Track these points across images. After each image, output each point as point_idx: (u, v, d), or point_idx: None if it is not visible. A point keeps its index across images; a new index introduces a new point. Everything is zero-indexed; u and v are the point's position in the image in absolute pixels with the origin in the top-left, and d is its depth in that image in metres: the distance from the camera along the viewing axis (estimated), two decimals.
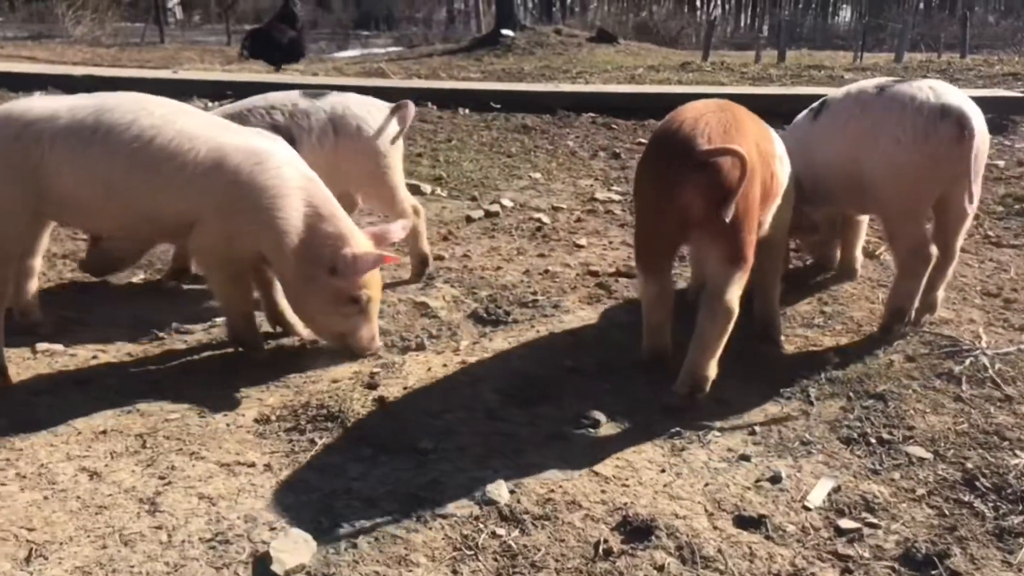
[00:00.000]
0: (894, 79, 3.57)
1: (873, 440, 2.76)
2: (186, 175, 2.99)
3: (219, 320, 3.64)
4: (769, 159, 3.09)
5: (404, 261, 4.18)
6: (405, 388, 3.07)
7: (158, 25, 22.05)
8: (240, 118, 3.69)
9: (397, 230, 3.33)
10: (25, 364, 3.25)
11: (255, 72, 11.39)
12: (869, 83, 3.57)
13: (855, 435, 2.79)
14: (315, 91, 4.06)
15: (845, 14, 52.05)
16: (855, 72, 11.14)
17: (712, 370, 2.91)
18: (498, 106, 8.01)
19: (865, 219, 4.11)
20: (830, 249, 4.21)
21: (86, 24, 21.09)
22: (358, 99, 4.03)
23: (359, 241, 3.13)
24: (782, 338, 3.50)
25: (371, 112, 3.97)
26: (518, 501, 2.43)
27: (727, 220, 2.69)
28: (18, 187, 2.96)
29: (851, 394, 3.05)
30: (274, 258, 3.13)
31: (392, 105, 4.04)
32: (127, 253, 3.96)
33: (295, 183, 3.11)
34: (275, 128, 3.65)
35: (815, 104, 3.80)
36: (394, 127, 3.98)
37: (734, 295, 2.86)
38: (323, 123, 3.85)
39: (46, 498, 2.42)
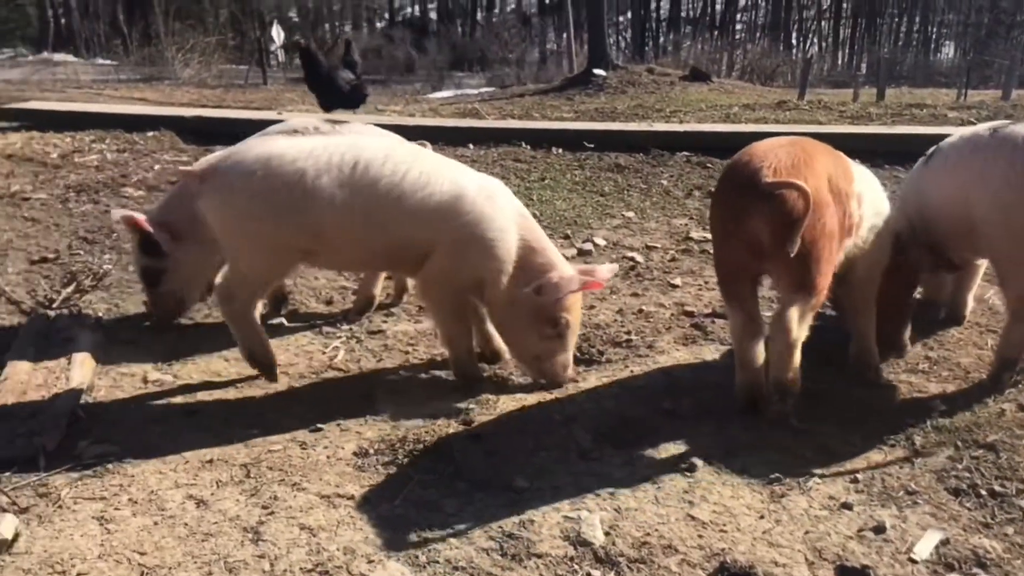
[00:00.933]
0: (1009, 121, 3.49)
1: (984, 492, 2.65)
2: (431, 207, 3.21)
3: (323, 357, 3.74)
4: (844, 196, 3.12)
5: None
6: (500, 425, 3.10)
7: (261, 67, 22.88)
8: None
9: (604, 271, 3.49)
10: (137, 394, 3.39)
11: (354, 114, 11.70)
12: (983, 127, 3.49)
13: (964, 486, 2.69)
14: (336, 120, 4.12)
15: (948, 50, 50.72)
16: (959, 110, 10.82)
17: (794, 381, 3.00)
18: (591, 145, 8.05)
19: (982, 264, 3.97)
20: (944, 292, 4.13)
21: (193, 67, 22.01)
22: (376, 132, 4.02)
23: (566, 270, 3.35)
24: (881, 380, 3.42)
25: None
26: (613, 543, 2.42)
27: (791, 251, 2.78)
28: (283, 223, 3.14)
29: (959, 443, 2.94)
30: (491, 285, 3.33)
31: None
32: (187, 295, 4.00)
33: (513, 217, 3.35)
34: None
35: (930, 150, 3.73)
36: None
37: (798, 320, 2.93)
38: None
39: (156, 524, 2.52)
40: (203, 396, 3.39)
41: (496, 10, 49.11)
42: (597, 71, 19.25)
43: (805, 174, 2.90)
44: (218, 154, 3.33)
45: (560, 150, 7.92)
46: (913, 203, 3.50)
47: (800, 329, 2.95)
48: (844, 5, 52.15)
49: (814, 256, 2.91)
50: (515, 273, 3.31)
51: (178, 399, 3.36)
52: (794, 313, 2.93)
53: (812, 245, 2.88)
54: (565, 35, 26.96)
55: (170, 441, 3.01)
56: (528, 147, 8.16)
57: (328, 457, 2.90)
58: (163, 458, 2.89)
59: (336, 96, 11.81)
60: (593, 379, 3.52)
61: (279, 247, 3.23)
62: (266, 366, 3.45)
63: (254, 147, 3.25)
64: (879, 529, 2.48)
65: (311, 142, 3.24)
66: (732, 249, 3.05)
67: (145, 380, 3.51)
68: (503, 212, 3.32)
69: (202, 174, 3.23)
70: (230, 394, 3.42)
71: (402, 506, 2.60)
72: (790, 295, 2.96)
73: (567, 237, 5.65)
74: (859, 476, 2.76)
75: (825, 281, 2.99)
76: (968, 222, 3.35)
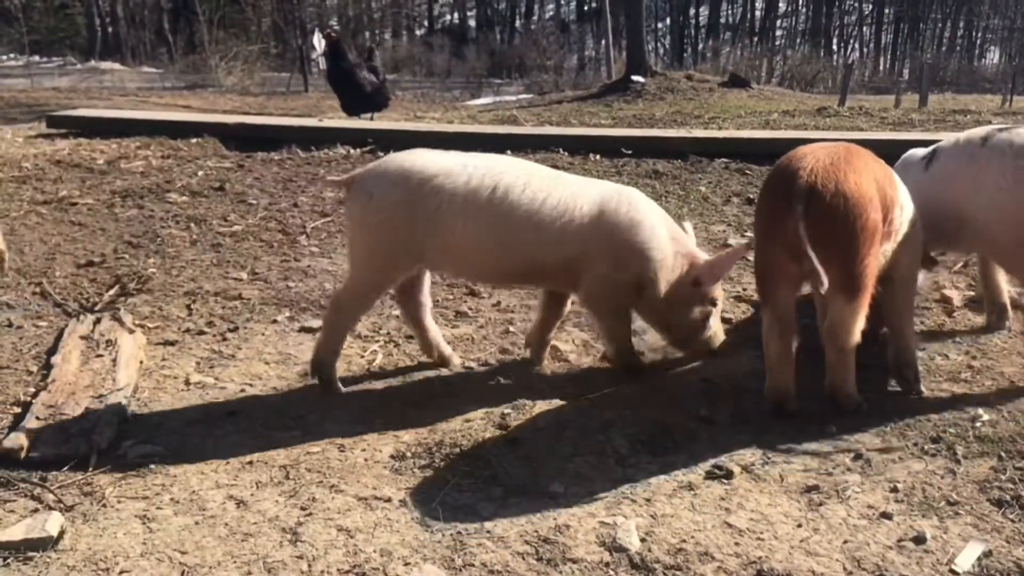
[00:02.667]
0: (1000, 127, 3.59)
1: None
2: (574, 227, 3.37)
3: (361, 360, 3.78)
4: (888, 200, 3.15)
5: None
6: (536, 431, 3.11)
7: (303, 75, 23.13)
8: None
9: (726, 258, 3.64)
10: (179, 395, 3.45)
11: (394, 120, 11.80)
12: (977, 132, 3.62)
13: (1007, 497, 2.65)
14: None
15: (993, 56, 49.90)
16: (1004, 116, 10.66)
17: (850, 386, 3.15)
18: (629, 152, 8.04)
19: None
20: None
21: (236, 74, 22.32)
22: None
23: (702, 256, 3.59)
24: (920, 385, 3.39)
25: None
26: (649, 550, 2.42)
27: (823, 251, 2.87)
28: (409, 234, 3.27)
29: (1002, 454, 2.90)
30: (651, 285, 3.49)
31: None
32: None
33: (657, 216, 3.53)
34: None
35: (926, 152, 3.80)
36: None
37: (849, 322, 3.01)
38: None
39: (197, 523, 2.56)
40: (244, 399, 3.44)
41: (535, 17, 49.19)
42: (635, 77, 19.20)
43: (845, 170, 2.96)
44: (363, 168, 3.50)
45: (598, 156, 7.92)
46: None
47: (850, 335, 3.03)
48: (886, 10, 51.51)
49: (858, 253, 2.94)
50: (670, 269, 3.51)
51: (219, 401, 3.41)
52: (841, 318, 3.01)
53: (854, 241, 2.92)
54: (603, 42, 26.97)
55: (211, 442, 3.06)
56: (566, 153, 8.17)
57: (366, 460, 2.93)
58: (204, 459, 2.94)
59: (358, 94, 11.68)
60: (630, 385, 3.52)
61: (400, 255, 3.35)
62: (327, 380, 3.50)
63: (395, 162, 3.38)
64: (919, 539, 2.45)
65: (450, 160, 3.37)
66: (771, 250, 3.10)
67: (187, 382, 3.57)
68: (645, 213, 3.49)
69: (347, 183, 3.40)
70: (270, 397, 3.46)
71: (438, 509, 2.61)
72: (834, 295, 2.99)
73: None
74: (899, 485, 2.73)
75: (870, 280, 3.01)
76: (969, 222, 3.53)
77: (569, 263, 3.42)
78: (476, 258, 3.41)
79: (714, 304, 3.63)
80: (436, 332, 3.74)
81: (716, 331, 3.70)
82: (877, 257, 3.07)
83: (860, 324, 3.04)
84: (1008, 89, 21.13)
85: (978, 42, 52.29)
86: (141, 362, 3.67)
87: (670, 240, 3.52)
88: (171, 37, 30.96)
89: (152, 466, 2.87)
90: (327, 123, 10.03)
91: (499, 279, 3.71)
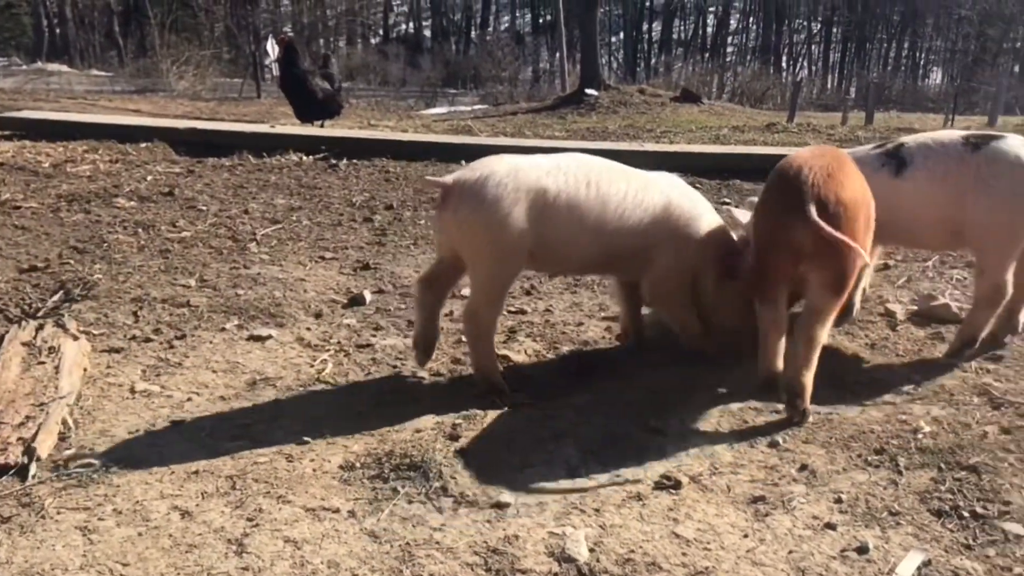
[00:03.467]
0: (978, 132, 3.95)
1: (966, 514, 2.67)
2: (648, 217, 3.63)
3: (310, 370, 3.75)
4: (869, 204, 3.38)
5: None
6: (487, 441, 3.10)
7: (255, 81, 22.92)
8: None
9: None
10: (124, 404, 3.39)
11: (347, 128, 11.73)
12: (953, 135, 3.92)
13: (947, 507, 2.71)
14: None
15: (936, 76, 51.21)
16: None
17: (808, 380, 3.26)
18: None
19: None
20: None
21: (188, 79, 22.04)
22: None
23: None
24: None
25: None
26: (597, 560, 2.42)
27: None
28: (523, 232, 3.40)
29: (942, 465, 2.96)
30: (703, 275, 3.77)
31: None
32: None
33: (710, 211, 3.82)
34: None
35: (881, 153, 4.01)
36: None
37: (829, 316, 3.28)
38: None
39: (140, 534, 2.51)
40: (190, 408, 3.39)
41: (490, 28, 49.37)
42: (589, 91, 19.36)
43: (842, 180, 3.23)
44: (463, 169, 3.52)
45: None
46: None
47: (826, 328, 3.30)
48: (834, 30, 52.62)
49: (851, 260, 3.18)
50: (717, 259, 3.76)
51: (165, 410, 3.35)
52: (822, 313, 3.27)
53: (849, 248, 3.14)
54: (558, 54, 27.10)
55: (156, 452, 3.00)
56: None
57: (314, 470, 2.90)
58: (149, 469, 2.88)
59: (309, 100, 11.57)
60: (582, 395, 3.54)
61: (517, 255, 3.48)
62: (498, 388, 3.53)
63: (499, 163, 3.46)
64: (862, 549, 2.49)
65: (547, 161, 3.54)
66: (778, 255, 3.30)
67: (132, 391, 3.51)
68: (703, 209, 3.78)
69: (449, 188, 3.42)
70: (217, 406, 3.41)
71: (387, 520, 2.60)
72: (823, 294, 3.25)
73: None
74: (843, 496, 2.78)
75: (852, 282, 3.31)
76: (957, 224, 3.77)
77: (640, 251, 3.67)
78: (571, 249, 3.58)
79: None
80: (438, 333, 3.83)
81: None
82: (862, 260, 3.28)
83: (833, 319, 3.33)
84: (950, 109, 21.69)
85: (922, 62, 53.65)
86: (85, 370, 3.60)
87: (720, 232, 3.79)
88: (121, 40, 30.51)
89: (94, 476, 2.81)
90: (279, 129, 9.96)
91: (589, 269, 3.98)
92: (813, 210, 3.08)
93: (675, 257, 3.70)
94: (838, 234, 3.06)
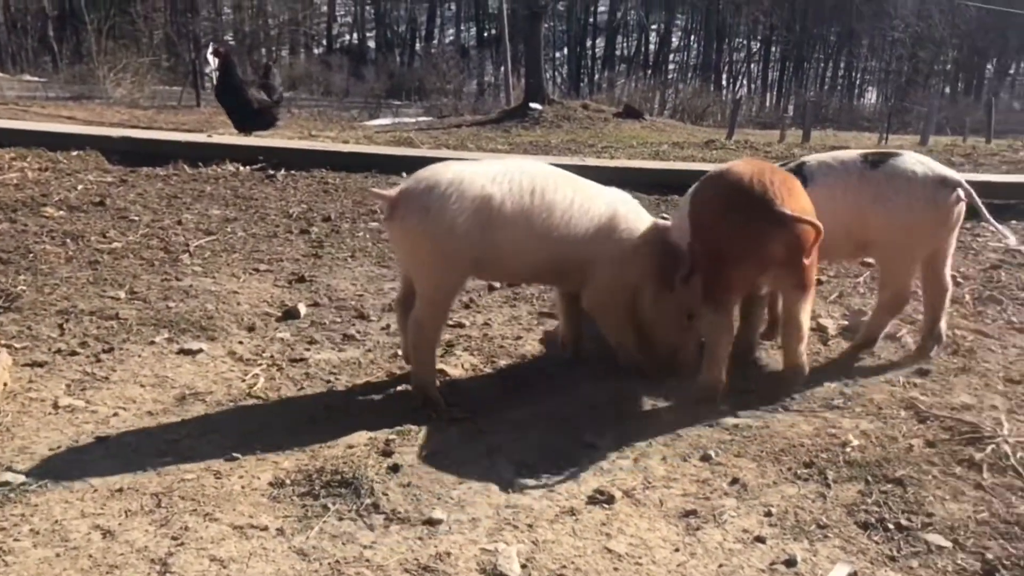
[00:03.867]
0: (876, 151, 4.24)
1: (891, 526, 2.72)
2: (594, 226, 3.63)
3: (242, 384, 3.68)
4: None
5: None
6: (420, 456, 3.07)
7: (195, 89, 22.60)
8: None
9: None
10: (46, 419, 3.29)
11: (287, 138, 11.61)
12: (852, 154, 4.12)
13: (873, 520, 2.75)
14: None
15: (870, 96, 52.56)
16: None
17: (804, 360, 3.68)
18: None
19: None
20: None
21: (125, 87, 21.65)
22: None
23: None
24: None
25: None
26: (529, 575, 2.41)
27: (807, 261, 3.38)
28: (469, 240, 3.39)
29: (869, 478, 3.01)
30: (643, 290, 3.77)
31: None
32: None
33: (654, 224, 3.83)
34: None
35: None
36: None
37: (807, 309, 3.57)
38: None
39: (58, 555, 2.43)
40: (116, 423, 3.30)
41: (435, 41, 49.39)
42: (533, 105, 19.47)
43: (791, 186, 3.43)
44: (407, 180, 3.49)
45: None
46: None
47: (807, 319, 3.60)
48: (773, 49, 53.70)
49: (814, 260, 3.46)
50: (659, 275, 3.75)
51: (89, 426, 3.26)
52: (799, 308, 3.54)
53: (810, 247, 3.39)
54: (503, 68, 27.22)
55: (78, 469, 2.91)
56: None
57: (243, 487, 2.84)
58: (70, 487, 2.79)
59: (244, 111, 11.49)
60: (518, 410, 3.52)
61: (464, 263, 3.48)
62: (434, 402, 3.52)
63: (443, 172, 3.44)
64: (791, 563, 2.52)
65: (492, 168, 3.52)
66: (749, 266, 3.46)
67: (56, 406, 3.41)
68: (646, 223, 3.79)
69: (395, 200, 3.40)
70: (144, 421, 3.33)
71: (316, 538, 2.55)
72: (796, 294, 3.53)
73: None
74: (773, 509, 2.81)
75: (815, 277, 3.64)
76: (859, 239, 3.99)
77: (583, 262, 3.67)
78: (521, 258, 3.58)
79: (691, 317, 3.80)
80: None
81: (695, 350, 3.86)
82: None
83: (810, 310, 3.64)
84: (884, 128, 22.26)
85: (858, 82, 55.01)
86: (5, 384, 3.48)
87: (663, 249, 3.76)
88: (56, 45, 29.84)
89: (11, 495, 2.71)
90: (216, 139, 9.81)
91: (535, 278, 4.02)
92: (787, 210, 3.26)
93: (618, 269, 3.70)
94: (812, 218, 3.31)
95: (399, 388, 3.73)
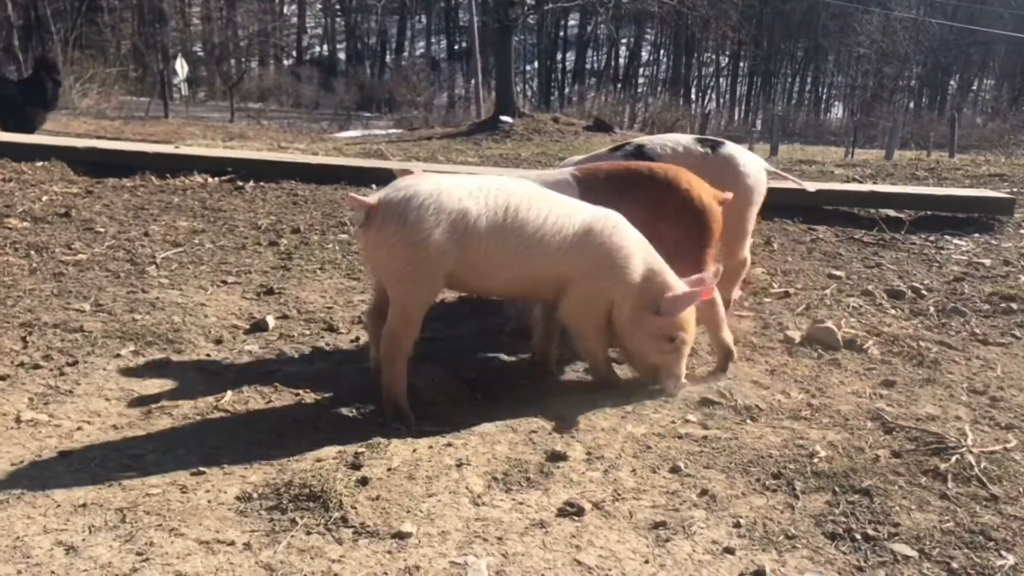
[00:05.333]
0: (707, 137, 5.06)
1: (858, 536, 2.74)
2: (568, 243, 3.62)
3: (209, 398, 3.65)
4: None
5: None
6: (389, 469, 3.05)
7: (163, 100, 22.45)
8: None
9: (709, 278, 3.82)
10: (8, 434, 3.23)
11: (256, 150, 11.55)
12: (686, 138, 4.83)
13: (840, 530, 2.77)
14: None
15: (837, 111, 53.25)
16: (845, 167, 11.33)
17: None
18: None
19: None
20: None
21: (92, 97, 21.47)
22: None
23: (680, 288, 3.75)
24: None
25: None
26: None
27: None
28: (444, 253, 3.42)
29: (836, 488, 3.04)
30: (618, 307, 3.74)
31: None
32: None
33: (636, 243, 3.74)
34: None
35: (627, 154, 4.72)
36: None
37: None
38: None
39: (19, 572, 2.38)
40: (80, 437, 3.25)
41: (405, 53, 49.38)
42: (504, 118, 19.53)
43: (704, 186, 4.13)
44: (386, 188, 3.51)
45: None
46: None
47: None
48: (741, 64, 54.28)
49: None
50: (638, 294, 3.72)
51: (52, 440, 3.21)
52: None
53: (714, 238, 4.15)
54: (473, 81, 27.27)
55: (40, 484, 2.86)
56: None
57: (209, 502, 2.81)
58: (32, 502, 2.74)
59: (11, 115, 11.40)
60: (487, 423, 3.51)
61: (438, 276, 3.50)
62: (404, 414, 3.57)
63: (423, 183, 3.47)
64: (759, 573, 2.53)
65: (469, 183, 3.55)
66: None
67: (18, 420, 3.35)
68: (626, 240, 3.72)
69: (373, 207, 3.41)
70: (109, 435, 3.28)
71: (284, 552, 2.53)
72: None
73: None
74: (742, 520, 2.82)
75: None
76: None
77: (559, 278, 3.69)
78: (494, 272, 3.60)
79: (672, 341, 3.75)
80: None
81: (676, 368, 3.81)
82: None
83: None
84: (850, 142, 22.55)
85: (824, 97, 55.73)
86: None
87: (645, 269, 3.73)
88: (21, 55, 29.46)
89: None
90: (184, 150, 9.73)
91: (509, 292, 3.96)
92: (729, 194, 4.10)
93: (593, 284, 3.70)
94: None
95: (368, 401, 3.71)
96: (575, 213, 3.68)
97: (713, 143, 4.72)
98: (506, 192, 3.56)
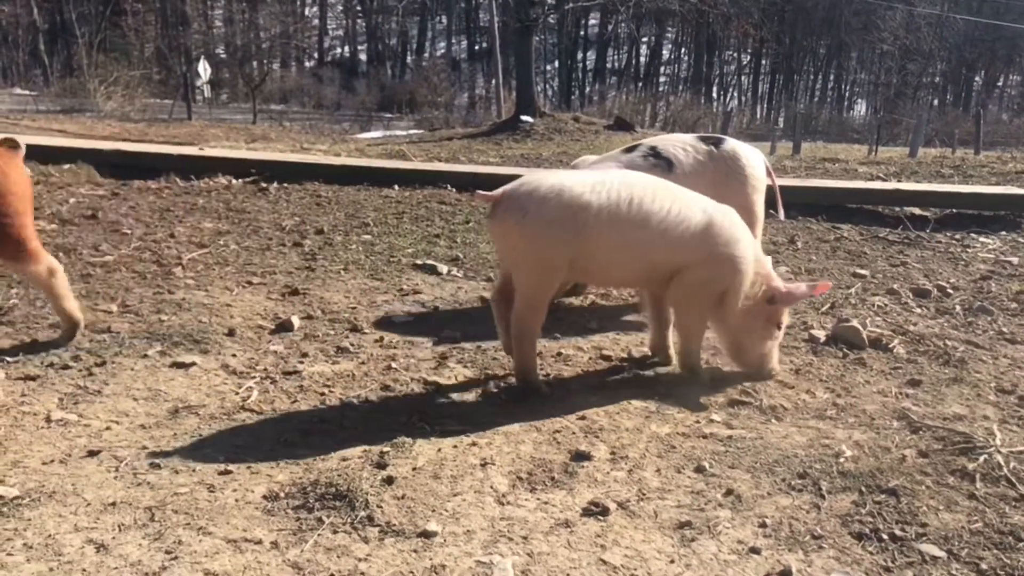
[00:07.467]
0: (709, 135, 5.24)
1: (885, 536, 2.73)
2: (690, 233, 3.74)
3: (235, 397, 3.67)
4: None
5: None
6: (414, 469, 3.07)
7: (186, 102, 22.60)
8: None
9: (804, 288, 3.99)
10: (38, 434, 3.27)
11: (280, 151, 11.62)
12: (689, 137, 5.06)
13: (867, 530, 2.76)
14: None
15: (860, 108, 52.83)
16: (868, 165, 11.26)
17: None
18: None
19: None
20: None
21: (116, 100, 21.64)
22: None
23: (779, 279, 3.98)
24: None
25: None
26: None
27: None
28: (564, 245, 3.58)
29: (863, 488, 3.02)
30: (733, 295, 3.85)
31: None
32: None
33: (750, 237, 3.93)
34: None
35: (642, 155, 4.84)
36: None
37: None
38: None
39: (51, 570, 2.42)
40: (109, 437, 3.28)
41: (426, 54, 49.49)
42: (525, 117, 19.51)
43: None
44: (513, 183, 3.70)
45: None
46: None
47: None
48: (763, 62, 53.95)
49: None
50: (749, 284, 3.87)
51: (82, 440, 3.24)
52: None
53: None
54: (494, 81, 27.28)
55: (71, 483, 2.90)
56: (454, 190, 8.20)
57: (237, 500, 2.83)
58: (63, 501, 2.78)
59: None
60: (512, 423, 3.52)
61: (558, 265, 3.66)
62: (535, 387, 3.82)
63: (546, 178, 3.67)
64: (785, 573, 2.52)
65: (590, 177, 3.71)
66: None
67: (48, 419, 3.39)
68: (741, 232, 3.87)
69: (497, 199, 3.62)
70: (137, 435, 3.31)
71: (311, 551, 2.55)
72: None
73: (490, 280, 5.68)
74: (767, 520, 2.81)
75: None
76: None
77: (679, 265, 3.80)
78: (614, 263, 3.74)
79: (779, 328, 3.99)
80: None
81: (773, 356, 4.06)
82: None
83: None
84: (873, 140, 22.36)
85: (847, 94, 55.30)
86: None
87: (754, 261, 3.88)
88: (47, 58, 29.81)
89: (4, 509, 2.70)
90: (208, 152, 9.81)
91: (627, 280, 4.17)
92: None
93: (707, 272, 3.80)
94: None
95: (393, 400, 3.73)
96: (695, 205, 3.80)
97: (715, 140, 4.99)
98: (629, 185, 3.68)
